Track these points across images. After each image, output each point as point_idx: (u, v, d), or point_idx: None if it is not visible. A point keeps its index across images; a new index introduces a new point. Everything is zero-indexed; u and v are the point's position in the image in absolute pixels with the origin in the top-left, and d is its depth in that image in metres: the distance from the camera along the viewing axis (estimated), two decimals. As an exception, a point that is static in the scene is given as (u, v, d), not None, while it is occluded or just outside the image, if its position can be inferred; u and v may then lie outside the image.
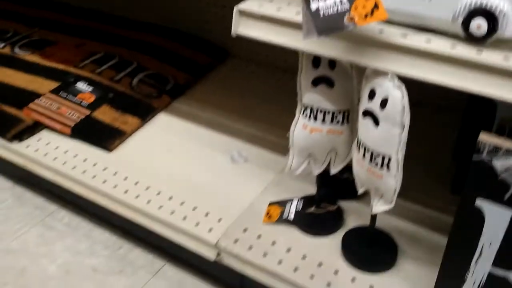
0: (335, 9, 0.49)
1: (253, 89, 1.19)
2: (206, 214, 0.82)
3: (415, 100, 0.97)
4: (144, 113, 1.06)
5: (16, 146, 0.98)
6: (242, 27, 0.61)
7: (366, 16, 0.49)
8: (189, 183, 0.89)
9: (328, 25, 0.48)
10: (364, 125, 0.57)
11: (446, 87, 0.50)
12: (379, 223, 0.77)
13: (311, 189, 0.85)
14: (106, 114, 1.03)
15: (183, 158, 0.96)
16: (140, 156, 0.96)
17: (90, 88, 1.08)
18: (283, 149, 0.98)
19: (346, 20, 0.49)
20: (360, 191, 0.66)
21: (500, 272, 0.56)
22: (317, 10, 0.49)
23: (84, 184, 0.90)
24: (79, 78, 1.11)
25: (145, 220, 0.85)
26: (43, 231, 1.02)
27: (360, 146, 0.60)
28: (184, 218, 0.82)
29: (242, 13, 0.60)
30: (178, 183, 0.89)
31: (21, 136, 0.98)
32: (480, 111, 0.69)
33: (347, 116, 0.64)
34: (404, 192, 0.81)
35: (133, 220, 0.86)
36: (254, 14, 0.59)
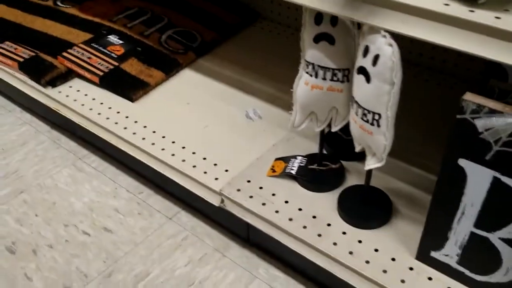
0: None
1: (278, 51, 1.20)
2: (215, 164, 0.87)
3: (433, 66, 0.95)
4: (169, 68, 1.10)
5: (50, 91, 1.05)
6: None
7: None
8: (203, 135, 0.94)
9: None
10: (357, 81, 0.59)
11: (443, 47, 0.51)
12: (378, 184, 0.78)
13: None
14: (133, 66, 1.08)
15: (200, 111, 1.00)
16: (161, 107, 1.01)
17: (121, 41, 1.14)
18: (297, 109, 1.00)
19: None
20: (357, 149, 0.67)
21: (481, 233, 0.57)
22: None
23: (107, 130, 0.96)
24: (111, 31, 1.17)
25: (159, 166, 0.90)
26: (73, 172, 1.11)
27: (353, 103, 0.61)
28: (194, 166, 0.86)
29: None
30: (192, 135, 0.94)
31: (54, 82, 1.06)
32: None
33: (347, 75, 0.66)
34: (404, 154, 0.83)
35: (149, 165, 0.92)
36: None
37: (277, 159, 0.85)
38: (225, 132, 0.95)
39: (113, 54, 1.09)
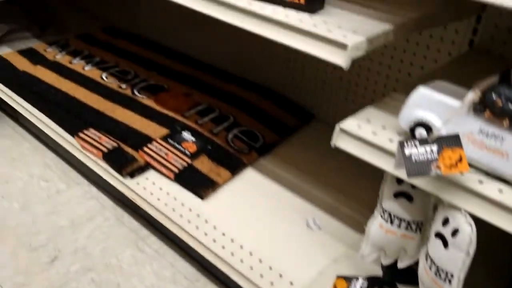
0: (425, 156, 0.60)
1: (334, 156, 1.31)
2: (280, 275, 0.95)
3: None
4: (235, 167, 1.21)
5: (128, 181, 1.16)
6: (340, 142, 0.73)
7: (451, 166, 0.60)
8: (268, 242, 1.03)
9: (417, 169, 0.60)
10: (435, 244, 0.68)
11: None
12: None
13: (378, 270, 0.95)
14: (204, 164, 1.19)
15: (264, 216, 1.10)
16: (228, 208, 1.11)
17: (193, 138, 1.26)
18: (355, 223, 1.09)
19: (433, 167, 0.60)
20: (421, 289, 0.76)
21: None
22: (410, 155, 0.61)
23: (180, 227, 1.06)
24: (185, 127, 1.29)
25: (227, 268, 0.99)
26: (135, 253, 1.20)
27: (428, 258, 0.70)
28: (261, 276, 0.95)
29: (343, 130, 0.73)
30: (258, 240, 1.03)
31: (133, 173, 1.17)
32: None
33: (420, 226, 0.75)
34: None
35: (216, 266, 1.01)
36: (352, 134, 0.72)
37: (338, 276, 0.94)
38: (288, 240, 1.03)
39: (186, 151, 1.21)
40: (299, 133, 1.41)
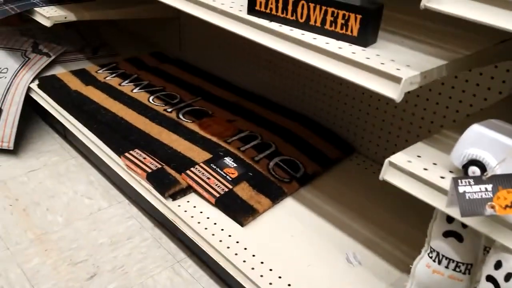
0: (480, 195, 0.59)
1: (375, 190, 1.29)
2: (318, 309, 0.93)
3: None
4: (276, 196, 1.21)
5: (170, 203, 1.18)
6: (389, 175, 0.72)
7: (506, 207, 0.58)
8: (307, 274, 1.01)
9: (471, 208, 0.59)
10: (486, 287, 0.65)
11: None
12: None
13: (418, 311, 0.92)
14: (244, 191, 1.20)
15: (303, 246, 1.09)
16: (268, 236, 1.11)
17: (235, 164, 1.27)
18: (396, 261, 1.06)
19: (487, 207, 0.58)
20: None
21: None
22: (464, 193, 0.59)
23: (219, 252, 1.06)
24: (227, 153, 1.31)
25: (264, 298, 0.98)
26: (172, 276, 1.20)
27: (479, 302, 0.67)
28: (299, 308, 0.93)
29: (392, 164, 0.72)
30: (297, 272, 1.02)
31: (175, 196, 1.18)
32: None
33: (469, 269, 0.72)
34: None
35: (253, 294, 1.00)
36: (403, 168, 0.71)
37: (378, 315, 0.91)
38: (327, 275, 1.02)
39: (228, 177, 1.22)
40: (340, 165, 1.40)
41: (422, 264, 0.77)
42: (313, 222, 1.17)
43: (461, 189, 0.60)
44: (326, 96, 1.48)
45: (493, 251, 0.65)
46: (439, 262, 0.74)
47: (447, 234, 0.72)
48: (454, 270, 0.73)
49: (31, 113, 1.83)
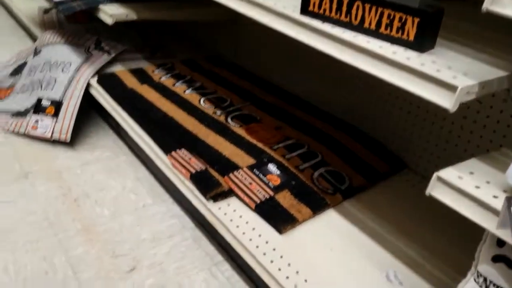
0: (536, 218, 0.54)
1: (422, 209, 1.23)
2: (353, 328, 0.89)
3: None
4: (317, 207, 1.18)
5: (211, 205, 1.18)
6: (436, 191, 0.68)
7: None
8: (343, 289, 0.97)
9: (525, 231, 0.53)
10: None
11: None
12: None
13: None
14: (285, 199, 1.17)
15: (341, 260, 1.05)
16: (306, 247, 1.08)
17: (278, 172, 1.25)
18: (439, 283, 1.00)
19: (545, 232, 0.53)
20: None
21: None
22: (518, 214, 0.54)
23: (255, 257, 1.04)
24: (271, 159, 1.29)
25: (297, 310, 0.95)
26: (208, 278, 1.20)
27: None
28: (332, 323, 0.90)
29: (440, 179, 0.68)
30: (332, 285, 0.98)
31: (216, 197, 1.18)
32: None
33: (520, 299, 0.66)
34: None
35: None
36: (452, 185, 0.66)
37: None
38: (365, 292, 0.97)
39: (270, 184, 1.20)
40: (388, 181, 1.35)
41: (468, 289, 0.71)
42: (354, 236, 1.12)
43: (515, 209, 0.55)
44: (379, 108, 1.43)
45: (549, 282, 0.59)
46: (487, 289, 0.68)
47: (496, 259, 0.66)
48: (504, 299, 0.67)
49: (90, 109, 1.91)
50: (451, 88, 0.63)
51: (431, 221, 1.18)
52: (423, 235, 1.13)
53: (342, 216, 1.19)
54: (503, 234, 0.59)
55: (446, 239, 1.12)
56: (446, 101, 0.64)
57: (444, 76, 0.64)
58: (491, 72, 0.68)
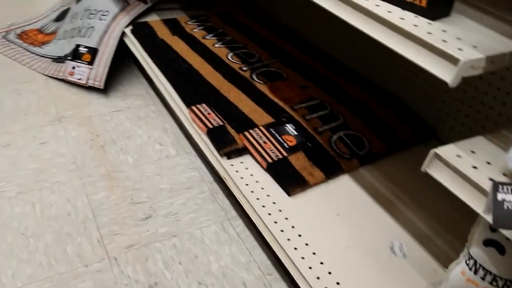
0: (521, 207, 0.50)
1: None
2: (347, 294, 0.89)
3: None
4: (331, 171, 1.16)
5: (224, 161, 1.19)
6: (433, 168, 0.65)
7: (551, 227, 0.49)
8: (342, 256, 0.97)
9: (506, 220, 0.50)
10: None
11: None
12: None
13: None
14: (299, 161, 1.16)
15: (347, 227, 1.04)
16: (312, 210, 1.07)
17: (295, 132, 1.23)
18: (446, 259, 0.97)
19: (528, 222, 0.50)
20: None
21: None
22: (502, 201, 0.51)
23: (259, 217, 1.06)
24: (290, 119, 1.27)
25: (294, 271, 0.96)
26: (219, 231, 1.23)
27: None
28: None
29: (438, 156, 0.64)
30: (333, 252, 0.98)
31: (230, 154, 1.19)
32: None
33: (508, 285, 0.63)
34: None
35: (286, 265, 0.98)
36: (448, 163, 0.63)
37: (408, 314, 0.85)
38: (365, 261, 0.96)
39: (285, 144, 1.19)
40: (412, 149, 1.30)
41: (458, 270, 0.69)
42: (364, 204, 1.10)
43: (500, 196, 0.51)
44: (409, 71, 1.36)
45: (535, 273, 0.56)
46: (475, 272, 0.66)
47: (488, 243, 0.63)
48: (491, 283, 0.64)
49: (126, 57, 1.94)
50: (454, 60, 0.58)
51: (448, 195, 1.13)
52: (438, 209, 1.10)
53: (356, 182, 1.16)
54: (490, 219, 0.56)
55: (461, 215, 1.08)
56: (447, 74, 0.59)
57: (448, 47, 0.59)
58: (506, 45, 0.62)
